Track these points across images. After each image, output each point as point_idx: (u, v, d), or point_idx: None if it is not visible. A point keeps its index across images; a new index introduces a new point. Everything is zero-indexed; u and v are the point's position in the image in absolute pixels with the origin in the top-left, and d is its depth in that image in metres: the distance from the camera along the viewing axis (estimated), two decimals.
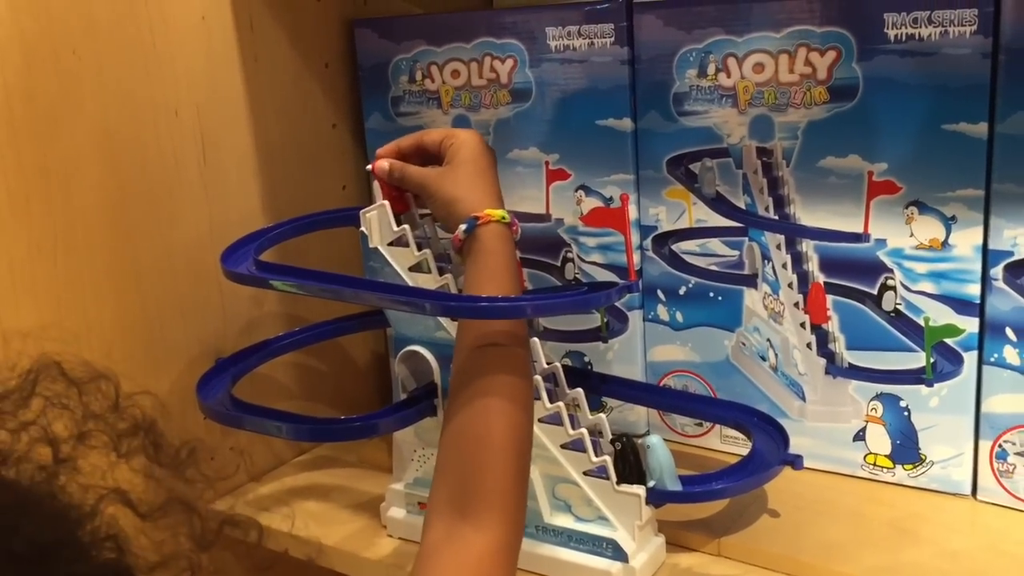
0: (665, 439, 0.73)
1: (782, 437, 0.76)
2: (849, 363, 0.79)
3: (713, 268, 0.84)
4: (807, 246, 0.79)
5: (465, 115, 0.91)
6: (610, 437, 0.73)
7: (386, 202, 0.75)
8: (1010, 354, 0.72)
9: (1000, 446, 0.75)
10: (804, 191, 0.78)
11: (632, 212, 0.85)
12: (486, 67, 0.88)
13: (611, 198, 0.85)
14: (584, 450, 0.71)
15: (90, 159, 0.76)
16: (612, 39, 0.82)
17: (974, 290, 0.73)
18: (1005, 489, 0.75)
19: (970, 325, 0.74)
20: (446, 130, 0.77)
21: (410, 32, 0.92)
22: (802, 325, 0.80)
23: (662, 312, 0.87)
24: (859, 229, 0.76)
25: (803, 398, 0.82)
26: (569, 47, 0.84)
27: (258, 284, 0.75)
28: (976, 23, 0.68)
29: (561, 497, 0.72)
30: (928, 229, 0.73)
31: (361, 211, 0.75)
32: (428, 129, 0.80)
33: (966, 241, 0.72)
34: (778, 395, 0.84)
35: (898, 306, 0.76)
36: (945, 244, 0.73)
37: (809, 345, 0.80)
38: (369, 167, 0.77)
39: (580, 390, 0.75)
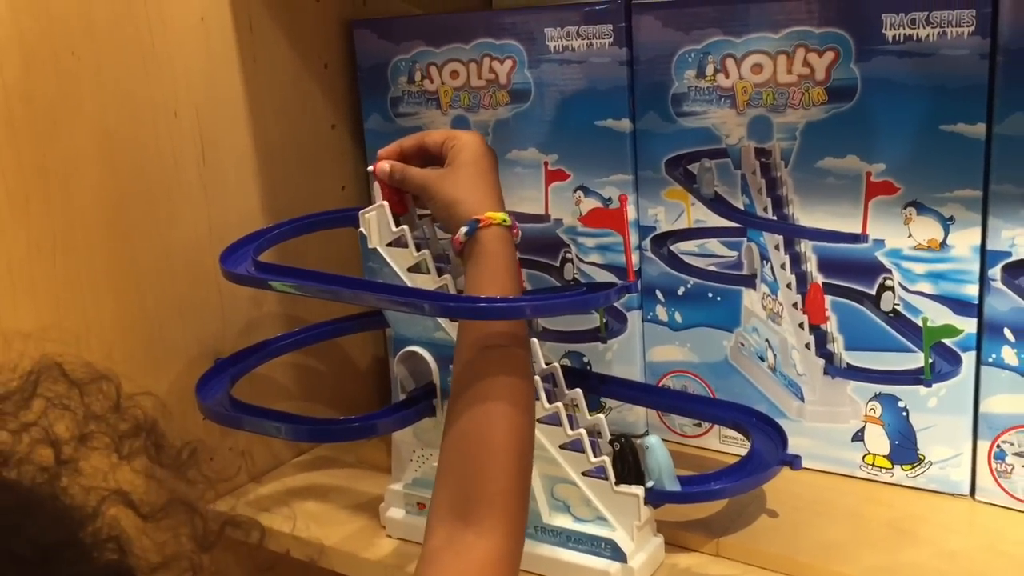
0: (664, 439, 0.73)
1: (781, 437, 0.76)
2: (848, 363, 0.79)
3: (712, 268, 0.84)
4: (806, 246, 0.79)
5: (464, 116, 0.91)
6: (609, 437, 0.73)
7: (385, 203, 0.75)
8: (1008, 354, 0.72)
9: (998, 446, 0.75)
10: (802, 192, 0.78)
11: (631, 212, 0.85)
12: (485, 68, 0.88)
13: (610, 199, 0.85)
14: (583, 450, 0.71)
15: (89, 160, 0.76)
16: (611, 40, 0.82)
17: (972, 291, 0.73)
18: (1003, 489, 0.75)
19: (968, 325, 0.74)
20: (448, 131, 0.77)
21: (409, 33, 0.92)
22: (801, 325, 0.81)
23: (661, 312, 0.87)
24: (857, 230, 0.76)
25: (802, 398, 0.82)
26: (568, 48, 0.84)
27: (257, 285, 0.75)
28: (974, 24, 0.68)
29: (560, 497, 0.72)
30: (926, 230, 0.73)
31: (360, 212, 0.75)
32: (430, 130, 0.80)
33: (964, 242, 0.72)
34: (777, 395, 0.84)
35: (896, 306, 0.76)
36: (943, 245, 0.73)
37: (808, 345, 0.81)
38: (370, 168, 0.77)
39: (579, 390, 0.75)
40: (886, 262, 0.76)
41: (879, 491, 0.79)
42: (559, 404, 0.71)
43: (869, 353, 0.78)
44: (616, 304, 0.87)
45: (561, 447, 0.71)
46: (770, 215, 0.80)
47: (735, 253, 0.83)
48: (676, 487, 0.71)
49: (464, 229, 0.69)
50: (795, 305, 0.80)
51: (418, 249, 0.74)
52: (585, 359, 0.91)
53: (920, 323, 0.75)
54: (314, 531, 0.79)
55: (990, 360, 0.73)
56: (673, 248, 0.85)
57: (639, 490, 0.70)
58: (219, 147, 0.85)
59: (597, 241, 0.87)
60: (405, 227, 0.74)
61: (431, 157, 0.76)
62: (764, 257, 0.81)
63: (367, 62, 0.95)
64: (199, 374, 0.81)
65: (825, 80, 0.75)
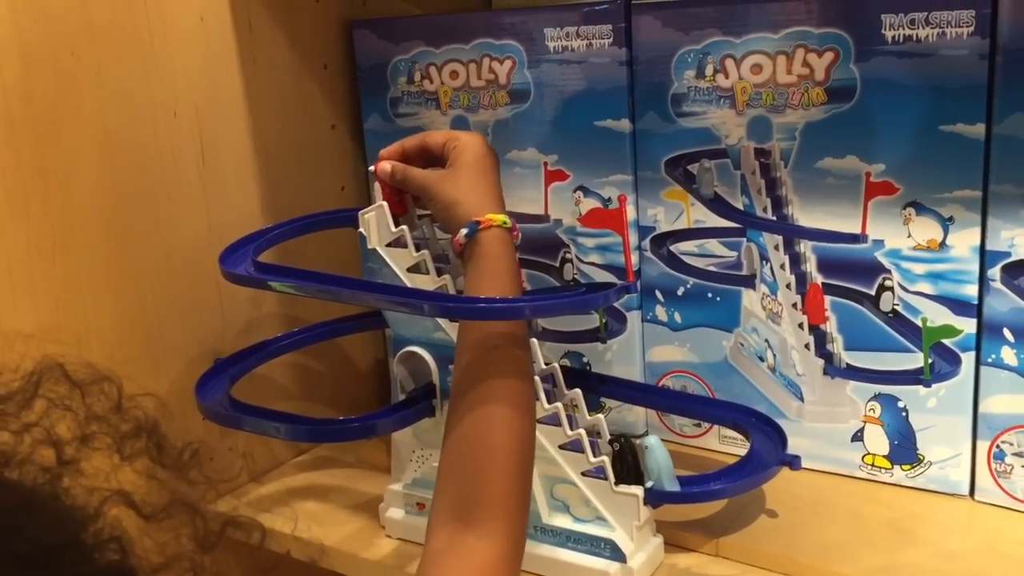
0: (663, 439, 0.73)
1: (780, 437, 0.76)
2: (847, 364, 0.79)
3: (711, 269, 0.84)
4: (805, 247, 0.79)
5: (464, 116, 0.91)
6: (608, 437, 0.73)
7: (384, 203, 0.75)
8: (1007, 355, 0.72)
9: (998, 446, 0.75)
10: (802, 192, 0.78)
11: (630, 213, 0.85)
12: (485, 68, 0.88)
13: (609, 199, 0.86)
14: (582, 451, 0.71)
15: (89, 160, 0.76)
16: (610, 40, 0.82)
17: (972, 291, 0.73)
18: (1002, 489, 0.75)
19: (968, 326, 0.74)
20: (449, 132, 0.77)
21: (409, 33, 0.92)
22: (800, 326, 0.81)
23: (660, 313, 0.87)
24: (857, 230, 0.76)
25: (801, 398, 0.82)
26: (567, 48, 0.84)
27: (256, 285, 0.75)
28: (973, 24, 0.68)
29: (559, 497, 0.72)
30: (926, 230, 0.73)
31: (359, 212, 0.75)
32: (432, 131, 0.80)
33: (964, 242, 0.72)
34: (776, 395, 0.84)
35: (896, 307, 0.76)
36: (943, 245, 0.73)
37: (807, 346, 0.81)
38: (371, 168, 0.77)
39: (578, 391, 0.75)
40: (885, 262, 0.76)
41: (878, 491, 0.79)
42: (559, 404, 0.71)
43: (868, 353, 0.78)
44: (616, 304, 0.87)
45: (560, 447, 0.71)
46: (770, 215, 0.80)
47: (734, 253, 0.83)
48: (675, 487, 0.71)
49: (464, 231, 0.69)
50: (795, 305, 0.80)
51: (417, 249, 0.74)
52: (585, 359, 0.91)
53: (919, 323, 0.75)
54: (314, 531, 0.79)
55: (989, 360, 0.73)
56: (673, 248, 0.85)
57: (638, 490, 0.70)
58: (219, 147, 0.86)
59: (597, 241, 0.87)
60: (404, 227, 0.74)
61: (433, 158, 0.76)
62: (764, 257, 0.81)
63: (367, 62, 0.95)
64: (199, 374, 0.81)
65: (824, 80, 0.75)
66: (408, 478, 0.78)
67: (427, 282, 0.73)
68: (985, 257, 0.72)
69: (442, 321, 0.73)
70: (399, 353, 0.76)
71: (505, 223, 0.70)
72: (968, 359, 0.74)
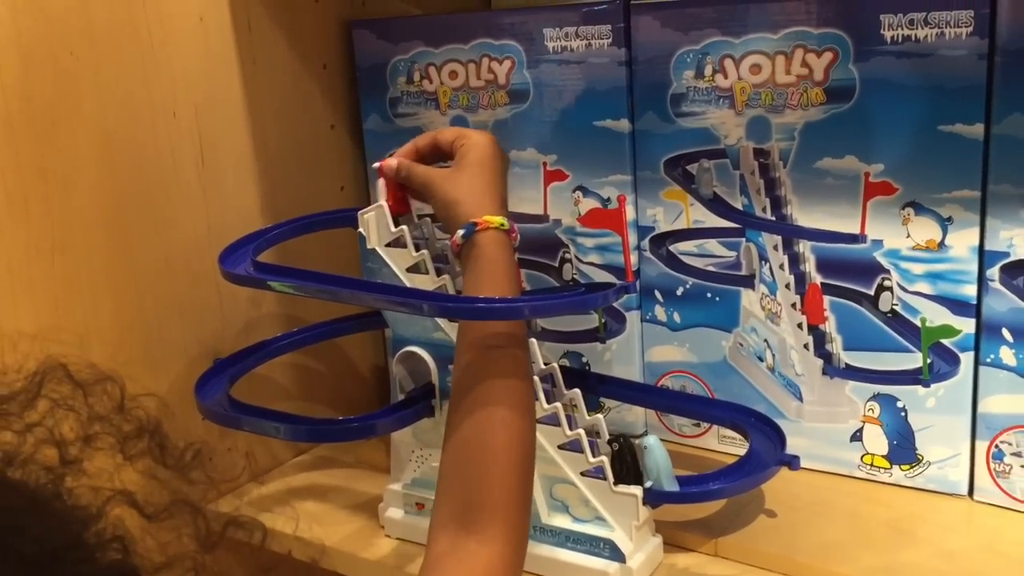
0: (663, 439, 0.73)
1: (779, 437, 0.76)
2: (846, 364, 0.79)
3: (710, 269, 0.84)
4: (804, 247, 0.79)
5: (463, 116, 0.91)
6: (607, 437, 0.73)
7: (384, 203, 0.75)
8: (1006, 355, 0.73)
9: (996, 446, 0.75)
10: (801, 192, 0.78)
11: (630, 213, 0.85)
12: (484, 68, 0.88)
13: (609, 199, 0.86)
14: (581, 451, 0.71)
15: (88, 160, 0.76)
16: (609, 40, 0.82)
17: (970, 291, 0.73)
18: (1001, 489, 0.75)
19: (966, 326, 0.74)
20: (460, 130, 0.77)
21: (408, 33, 0.92)
22: (799, 326, 0.81)
23: (660, 313, 0.87)
24: (856, 230, 0.76)
25: (800, 398, 0.82)
26: (567, 48, 0.84)
27: (256, 285, 0.75)
28: (972, 24, 0.68)
29: (559, 497, 0.72)
30: (924, 230, 0.73)
31: (359, 212, 0.75)
32: (444, 128, 0.80)
33: (962, 242, 0.72)
34: (775, 395, 0.84)
35: (895, 307, 0.76)
36: (941, 245, 0.73)
37: (806, 346, 0.81)
38: (376, 165, 0.77)
39: (577, 391, 0.75)
40: (884, 262, 0.76)
41: (877, 491, 0.79)
42: (558, 404, 0.71)
43: (867, 353, 0.78)
44: (615, 304, 0.87)
45: (560, 447, 0.71)
46: (769, 215, 0.80)
47: (734, 253, 0.83)
48: (674, 487, 0.71)
49: (461, 232, 0.69)
50: (794, 305, 0.80)
51: (417, 249, 0.74)
52: (584, 359, 0.91)
53: (918, 323, 0.75)
54: (315, 531, 0.79)
55: (988, 360, 0.73)
56: (672, 248, 0.85)
57: (638, 490, 0.70)
58: (218, 147, 0.86)
59: (596, 241, 0.87)
60: (404, 227, 0.74)
61: (443, 155, 0.76)
62: (763, 257, 0.81)
63: (366, 62, 0.95)
64: (198, 374, 0.81)
65: (824, 80, 0.75)
66: (407, 478, 0.79)
67: (426, 282, 0.73)
68: (984, 257, 0.72)
69: (441, 321, 0.73)
70: (398, 353, 0.76)
71: (503, 225, 0.70)
72: (967, 359, 0.74)
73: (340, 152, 0.98)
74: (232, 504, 0.83)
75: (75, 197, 0.75)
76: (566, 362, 0.91)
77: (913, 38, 0.71)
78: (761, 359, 0.84)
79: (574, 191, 0.87)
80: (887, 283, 0.76)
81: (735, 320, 0.84)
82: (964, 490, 0.77)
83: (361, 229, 0.75)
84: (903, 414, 0.78)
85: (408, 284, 0.73)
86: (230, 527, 0.47)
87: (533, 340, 0.74)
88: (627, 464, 0.71)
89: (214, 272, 0.77)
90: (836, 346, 0.79)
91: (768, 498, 0.78)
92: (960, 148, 0.71)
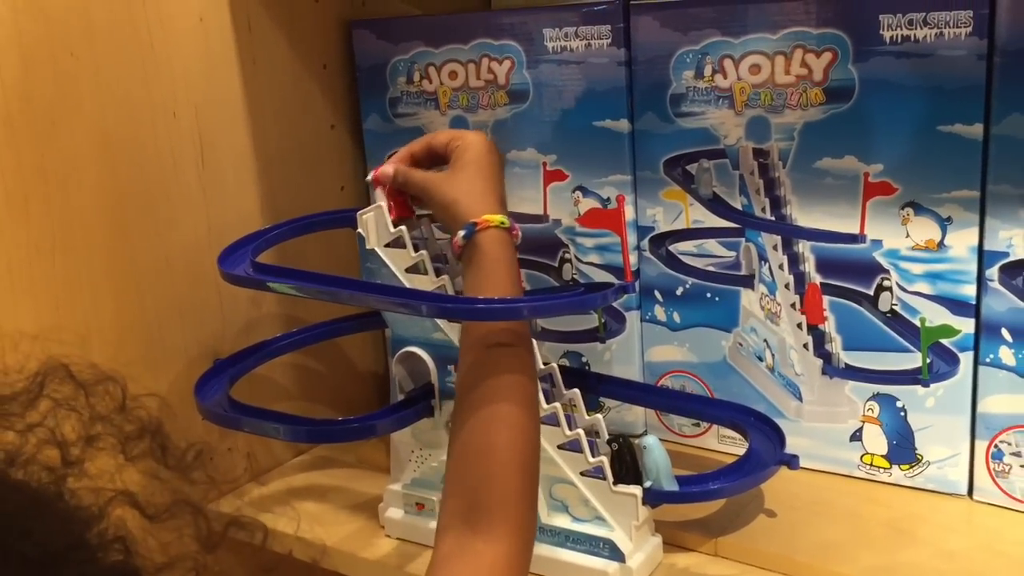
0: (662, 439, 0.73)
1: (779, 437, 0.76)
2: (846, 363, 0.79)
3: (710, 269, 0.84)
4: (804, 247, 0.79)
5: (463, 116, 0.91)
6: (607, 437, 0.73)
7: (383, 203, 0.75)
8: (1006, 355, 0.73)
9: (996, 446, 0.75)
10: (800, 192, 0.78)
11: (629, 213, 0.85)
12: (484, 68, 0.89)
13: (608, 199, 0.86)
14: (581, 450, 0.71)
15: (88, 160, 0.76)
16: (609, 40, 0.82)
17: (970, 291, 0.73)
18: (1001, 489, 0.75)
19: (966, 326, 0.74)
20: (454, 132, 0.77)
21: (408, 33, 0.92)
22: (799, 326, 0.81)
23: (659, 313, 0.87)
24: (855, 230, 0.76)
25: (800, 398, 0.82)
26: (566, 48, 0.84)
27: (255, 286, 0.75)
28: (971, 25, 0.68)
29: (558, 497, 0.72)
30: (924, 230, 0.74)
31: (358, 213, 0.75)
32: (438, 131, 0.80)
33: (962, 242, 0.72)
34: (775, 395, 0.84)
35: (894, 307, 0.76)
36: (941, 245, 0.73)
37: (806, 345, 0.81)
38: (368, 178, 0.77)
39: (577, 391, 0.75)
40: (884, 262, 0.76)
41: (877, 491, 0.79)
42: (557, 404, 0.71)
43: (867, 353, 0.78)
44: (615, 304, 0.87)
45: (559, 447, 0.71)
46: (768, 215, 0.80)
47: (733, 253, 0.83)
48: (674, 487, 0.71)
49: (462, 232, 0.69)
50: (793, 305, 0.80)
51: (416, 250, 0.74)
52: (584, 359, 0.91)
53: (918, 323, 0.76)
54: (316, 532, 0.79)
55: (988, 360, 0.74)
56: (671, 248, 0.85)
57: (637, 490, 0.70)
58: (218, 147, 0.86)
59: (596, 241, 0.87)
60: (403, 228, 0.74)
61: (439, 159, 0.76)
62: (762, 257, 0.81)
63: (366, 62, 0.95)
64: (198, 375, 0.81)
65: (823, 81, 0.75)
66: (407, 478, 0.79)
67: (426, 282, 0.73)
68: (983, 257, 0.72)
69: (441, 321, 0.73)
70: (398, 353, 0.76)
71: (503, 223, 0.70)
72: (966, 359, 0.74)
73: (340, 152, 0.98)
74: (232, 504, 0.83)
75: (75, 197, 0.75)
76: (566, 362, 0.91)
77: (912, 38, 0.71)
78: (761, 359, 0.84)
79: (574, 191, 0.87)
80: (886, 283, 0.76)
81: (735, 320, 0.84)
82: (964, 490, 0.77)
83: (360, 229, 0.75)
84: (903, 414, 0.78)
85: (407, 285, 0.73)
86: (231, 527, 0.47)
87: (533, 340, 0.74)
88: (627, 464, 0.71)
89: (214, 272, 0.77)
90: (835, 346, 0.80)
91: (768, 498, 0.78)
92: (959, 148, 0.71)
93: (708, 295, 0.85)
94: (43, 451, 0.42)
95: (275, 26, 0.90)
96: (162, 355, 0.82)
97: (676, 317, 0.87)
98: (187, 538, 0.44)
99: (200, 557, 0.43)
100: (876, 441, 0.80)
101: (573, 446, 0.71)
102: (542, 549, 0.72)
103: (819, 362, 0.80)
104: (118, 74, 0.77)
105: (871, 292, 0.77)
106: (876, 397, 0.79)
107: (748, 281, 0.83)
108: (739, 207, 0.81)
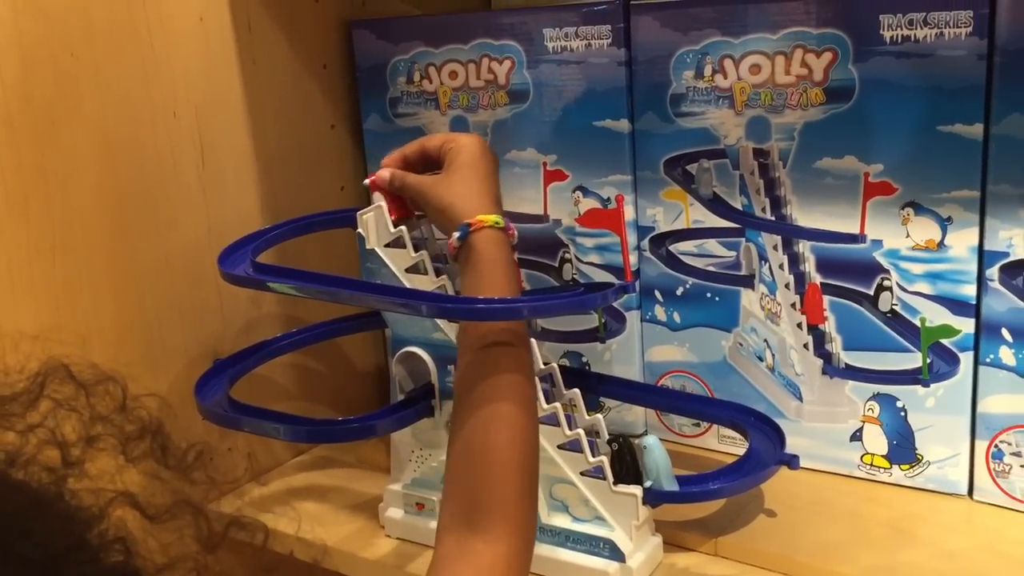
0: (662, 439, 0.73)
1: (779, 437, 0.76)
2: (846, 363, 0.79)
3: (710, 269, 0.84)
4: (804, 247, 0.79)
5: (463, 116, 0.91)
6: (607, 437, 0.73)
7: (383, 204, 0.75)
8: (1006, 355, 0.73)
9: (996, 446, 0.75)
10: (801, 192, 0.78)
11: (629, 213, 0.85)
12: (484, 68, 0.89)
13: (608, 199, 0.86)
14: (581, 450, 0.71)
15: (88, 160, 0.76)
16: (609, 40, 0.82)
17: (970, 291, 0.73)
18: (1001, 489, 0.75)
19: (966, 326, 0.74)
20: (447, 135, 0.77)
21: (408, 33, 0.92)
22: (799, 326, 0.81)
23: (660, 312, 0.87)
24: (855, 230, 0.76)
25: (800, 398, 0.82)
26: (566, 48, 0.84)
27: (255, 286, 0.75)
28: (971, 25, 0.68)
29: (558, 497, 0.72)
30: (924, 230, 0.74)
31: (358, 213, 0.75)
32: (430, 135, 0.80)
33: (962, 242, 0.72)
34: (775, 395, 0.84)
35: (894, 307, 0.76)
36: (941, 245, 0.73)
37: (806, 345, 0.81)
38: (365, 183, 0.77)
39: (577, 390, 0.75)
40: (884, 262, 0.76)
41: (877, 491, 0.79)
42: (557, 404, 0.71)
43: (867, 353, 0.78)
44: (615, 304, 0.87)
45: (559, 447, 0.71)
46: (768, 215, 0.80)
47: (733, 253, 0.83)
48: (674, 487, 0.72)
49: (457, 234, 0.69)
50: (793, 305, 0.80)
51: (416, 250, 0.74)
52: (584, 359, 0.91)
53: (918, 323, 0.76)
54: (317, 532, 0.79)
55: (988, 360, 0.74)
56: (672, 248, 0.85)
57: (637, 490, 0.70)
58: (218, 147, 0.86)
59: (596, 241, 0.87)
60: (403, 228, 0.74)
61: (432, 162, 0.76)
62: (762, 257, 0.82)
63: (366, 62, 0.95)
64: (198, 375, 0.81)
65: (823, 81, 0.75)
66: (407, 478, 0.79)
67: (426, 282, 0.73)
68: (983, 257, 0.72)
69: (441, 321, 0.73)
70: (398, 353, 0.76)
71: (497, 223, 0.70)
72: (966, 359, 0.74)
73: (340, 152, 0.98)
74: (233, 504, 0.83)
75: (75, 197, 0.75)
76: (566, 362, 0.91)
77: (912, 38, 0.71)
78: (761, 359, 0.84)
79: (574, 191, 0.87)
80: (887, 283, 0.76)
81: (735, 320, 0.84)
82: (964, 490, 0.77)
83: (360, 230, 0.75)
84: (903, 414, 0.78)
85: (407, 285, 0.73)
86: (232, 528, 0.47)
87: (533, 340, 0.74)
88: (627, 464, 0.71)
89: (214, 272, 0.77)
90: (836, 346, 0.80)
91: (768, 498, 0.78)
92: (959, 148, 0.71)
93: (708, 295, 0.85)
94: (44, 451, 0.42)
95: (275, 26, 0.90)
96: (162, 355, 0.82)
97: (676, 317, 0.87)
98: (188, 539, 0.44)
99: (201, 558, 0.43)
100: (876, 441, 0.80)
101: (573, 446, 0.71)
102: (542, 549, 0.72)
103: (819, 362, 0.80)
104: (118, 74, 0.77)
105: (871, 292, 0.77)
106: (876, 397, 0.79)
107: (748, 281, 0.83)
108: (739, 207, 0.81)
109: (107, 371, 0.46)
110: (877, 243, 0.76)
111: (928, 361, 0.76)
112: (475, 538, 0.60)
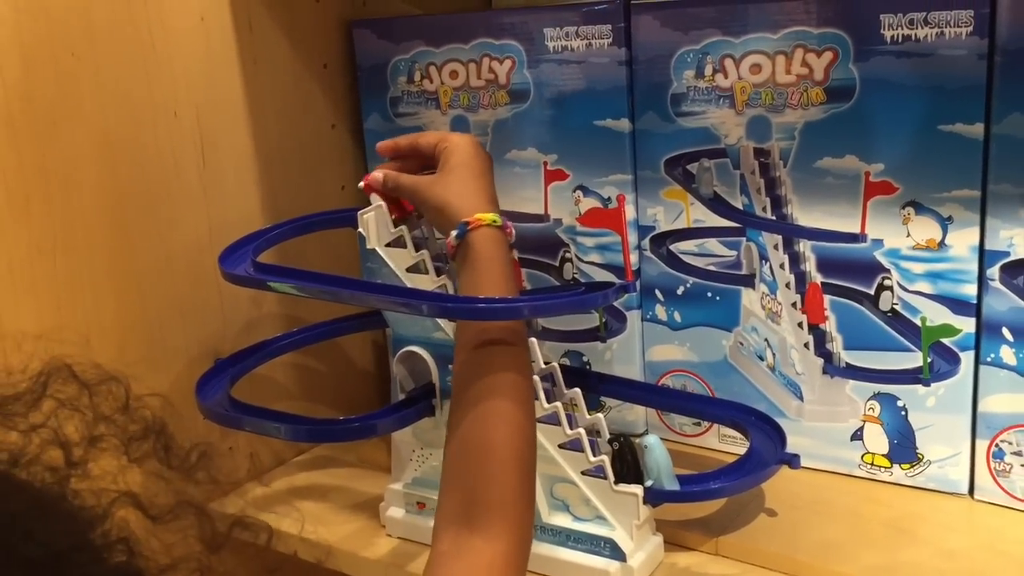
0: (663, 438, 0.73)
1: (779, 436, 0.76)
2: (846, 363, 0.79)
3: (711, 268, 0.84)
4: (804, 246, 0.79)
5: (464, 116, 0.91)
6: (608, 437, 0.73)
7: (383, 203, 0.75)
8: (1007, 354, 0.73)
9: (997, 446, 0.75)
10: (801, 191, 0.78)
11: (630, 212, 0.85)
12: (484, 68, 0.89)
13: (609, 198, 0.86)
14: (582, 450, 0.71)
15: (89, 160, 0.76)
16: (610, 40, 0.82)
17: (971, 290, 0.73)
18: (1002, 488, 0.75)
19: (967, 325, 0.74)
20: (441, 134, 0.77)
21: (408, 33, 0.92)
22: (800, 325, 0.81)
23: (660, 312, 0.87)
24: (856, 229, 0.76)
25: (801, 398, 0.82)
26: (567, 48, 0.84)
27: (256, 285, 0.75)
28: (972, 24, 0.68)
29: (559, 497, 0.72)
30: (925, 229, 0.74)
31: (358, 212, 0.75)
32: (424, 132, 0.80)
33: (962, 241, 0.73)
34: (776, 395, 0.84)
35: (895, 306, 0.76)
36: (942, 244, 0.73)
37: (807, 345, 0.81)
38: (360, 185, 0.77)
39: (577, 390, 0.75)
40: (885, 262, 0.76)
41: (878, 490, 0.79)
42: (558, 403, 0.71)
43: (868, 352, 0.78)
44: (615, 304, 0.87)
45: (560, 446, 0.71)
46: (769, 215, 0.80)
47: (734, 253, 0.83)
48: (675, 486, 0.72)
49: (454, 233, 0.69)
50: (794, 304, 0.80)
51: (416, 249, 0.74)
52: (585, 358, 0.91)
53: (919, 322, 0.76)
54: (319, 532, 0.79)
55: (988, 359, 0.74)
56: (672, 248, 0.85)
57: (638, 489, 0.70)
58: (219, 147, 0.86)
59: (596, 241, 0.87)
60: (403, 227, 0.75)
61: (426, 160, 0.76)
62: (763, 257, 0.82)
63: (367, 62, 0.95)
64: (199, 374, 0.81)
65: (824, 80, 0.75)
66: (408, 477, 0.79)
67: (426, 282, 0.73)
68: (984, 256, 0.72)
69: (441, 321, 0.73)
70: (399, 353, 0.76)
71: (495, 221, 0.70)
72: (967, 358, 0.74)
73: (341, 152, 0.98)
74: (235, 504, 0.83)
75: (76, 197, 0.75)
76: (567, 361, 0.91)
77: (913, 38, 0.71)
78: (761, 358, 0.84)
79: (575, 191, 0.87)
80: (887, 282, 0.76)
81: (735, 319, 0.84)
82: (964, 489, 0.77)
83: (361, 229, 0.75)
84: (903, 413, 0.78)
85: (408, 284, 0.73)
86: (236, 528, 0.47)
87: (533, 340, 0.74)
88: (627, 463, 0.71)
89: (215, 272, 0.77)
90: (836, 345, 0.80)
91: (768, 497, 0.78)
92: (960, 148, 0.71)
93: (709, 294, 0.85)
94: (46, 451, 0.41)
95: (276, 26, 0.90)
96: (163, 355, 0.82)
97: (677, 316, 0.87)
98: (191, 539, 0.44)
99: (204, 558, 0.43)
100: (877, 440, 0.80)
101: (574, 445, 0.71)
102: (543, 548, 0.72)
103: (820, 361, 0.80)
104: (119, 74, 0.77)
105: (872, 291, 0.77)
106: (877, 396, 0.79)
107: (749, 280, 0.83)
108: (740, 206, 0.81)
109: (110, 371, 0.46)
110: (878, 242, 0.76)
111: (929, 360, 0.76)
112: (473, 536, 0.60)
